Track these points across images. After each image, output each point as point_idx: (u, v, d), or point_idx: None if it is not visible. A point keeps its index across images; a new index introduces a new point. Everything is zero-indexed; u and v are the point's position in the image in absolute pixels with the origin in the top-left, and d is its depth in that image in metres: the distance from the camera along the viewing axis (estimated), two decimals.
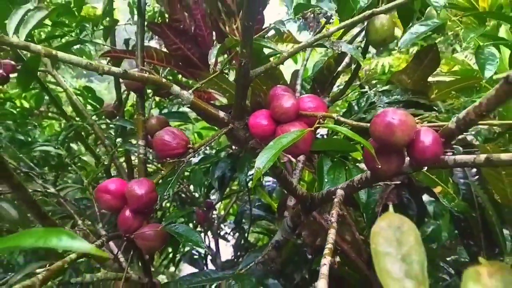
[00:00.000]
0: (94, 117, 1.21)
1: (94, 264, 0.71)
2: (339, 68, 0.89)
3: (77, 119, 1.29)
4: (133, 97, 1.43)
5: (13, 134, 1.30)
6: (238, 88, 0.53)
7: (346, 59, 0.89)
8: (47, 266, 0.41)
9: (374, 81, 1.26)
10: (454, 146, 0.86)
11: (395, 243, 0.24)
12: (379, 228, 0.25)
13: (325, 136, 0.93)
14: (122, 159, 1.29)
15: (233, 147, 0.99)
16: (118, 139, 1.11)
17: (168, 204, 1.52)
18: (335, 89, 0.96)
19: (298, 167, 0.80)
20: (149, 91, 1.09)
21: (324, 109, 0.50)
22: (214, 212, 1.58)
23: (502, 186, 0.65)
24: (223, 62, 0.66)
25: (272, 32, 0.74)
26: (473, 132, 0.94)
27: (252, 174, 1.15)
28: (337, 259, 0.38)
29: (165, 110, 1.55)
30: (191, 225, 1.43)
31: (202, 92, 0.92)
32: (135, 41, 0.98)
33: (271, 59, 0.68)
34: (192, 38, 0.84)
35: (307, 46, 0.49)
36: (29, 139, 1.35)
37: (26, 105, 1.59)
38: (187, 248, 1.55)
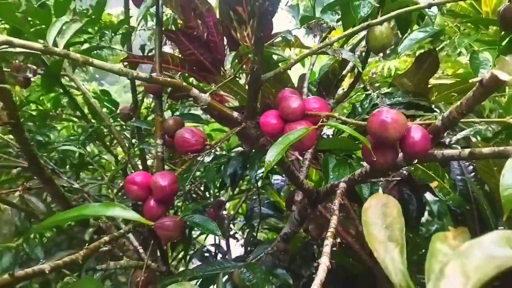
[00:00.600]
0: (110, 119, 1.27)
1: (118, 253, 0.77)
2: (344, 72, 0.95)
3: (93, 121, 1.36)
4: (147, 100, 1.50)
5: (33, 135, 1.37)
6: (250, 91, 0.58)
7: (350, 64, 0.94)
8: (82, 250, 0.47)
9: (377, 84, 1.31)
10: (454, 145, 0.92)
11: (381, 216, 0.29)
12: (369, 205, 0.31)
13: (330, 136, 0.98)
14: (136, 159, 1.35)
15: (244, 147, 1.05)
16: (133, 140, 1.17)
17: (180, 204, 1.58)
18: (340, 91, 1.01)
19: (305, 165, 0.85)
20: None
21: (327, 110, 0.55)
22: (224, 212, 1.64)
23: (494, 181, 0.69)
24: (234, 67, 0.72)
25: (280, 38, 0.80)
26: (472, 132, 0.98)
27: (262, 173, 1.21)
28: (338, 240, 0.43)
29: (177, 113, 1.61)
30: None
31: (214, 95, 0.98)
32: (148, 46, 1.04)
33: (280, 64, 0.74)
34: (205, 44, 0.90)
35: (311, 54, 0.55)
36: (48, 140, 1.42)
37: (41, 108, 1.66)
38: (197, 246, 1.61)
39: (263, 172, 1.24)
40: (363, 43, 0.96)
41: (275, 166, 1.12)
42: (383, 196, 0.31)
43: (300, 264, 1.08)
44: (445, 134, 0.83)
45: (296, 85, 0.95)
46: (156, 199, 0.59)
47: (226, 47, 0.91)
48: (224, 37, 0.88)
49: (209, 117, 1.11)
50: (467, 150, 0.45)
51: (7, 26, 0.96)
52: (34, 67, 1.09)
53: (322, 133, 0.95)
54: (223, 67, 0.90)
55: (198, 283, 0.78)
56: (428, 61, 0.89)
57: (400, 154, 0.49)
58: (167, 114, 1.62)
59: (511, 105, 1.19)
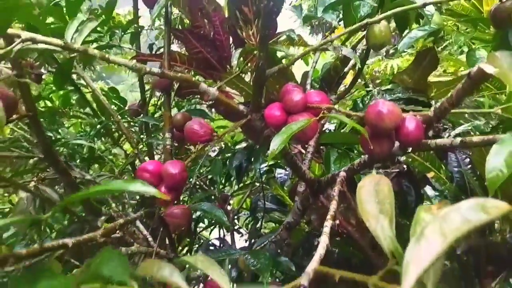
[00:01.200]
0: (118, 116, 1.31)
1: (129, 239, 0.81)
2: (345, 69, 0.98)
3: (102, 118, 1.40)
4: (154, 98, 1.54)
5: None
6: (255, 86, 0.62)
7: (352, 61, 0.97)
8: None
9: (378, 81, 1.34)
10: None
11: (374, 193, 0.33)
12: (363, 183, 0.34)
13: (332, 131, 1.01)
14: (144, 155, 1.39)
15: (249, 141, 1.09)
16: (141, 136, 1.21)
17: (186, 198, 1.63)
18: (341, 88, 1.05)
19: (307, 158, 0.89)
20: None
21: (328, 103, 0.59)
22: (228, 207, 1.68)
23: None
24: (240, 64, 0.75)
25: (285, 36, 0.83)
26: (470, 127, 1.01)
27: (266, 166, 1.24)
28: (337, 222, 0.47)
29: (183, 110, 1.65)
30: None
31: (220, 91, 1.01)
32: (155, 45, 1.07)
33: (283, 60, 0.77)
34: (211, 43, 0.94)
35: (313, 50, 0.58)
36: (58, 137, 1.46)
37: (50, 104, 1.70)
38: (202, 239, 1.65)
39: (267, 166, 1.27)
40: (364, 41, 1.00)
41: (278, 161, 1.15)
42: (376, 176, 0.35)
43: (302, 255, 1.12)
44: (445, 131, 0.87)
45: (299, 82, 0.98)
46: (167, 186, 0.63)
47: (231, 45, 0.95)
48: (230, 36, 0.92)
49: (215, 114, 1.15)
50: (458, 139, 0.48)
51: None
52: (46, 64, 1.14)
53: (324, 127, 0.99)
54: (229, 64, 0.93)
55: None
56: (428, 59, 0.92)
57: (396, 144, 0.53)
58: (173, 111, 1.66)
59: (510, 102, 1.22)
